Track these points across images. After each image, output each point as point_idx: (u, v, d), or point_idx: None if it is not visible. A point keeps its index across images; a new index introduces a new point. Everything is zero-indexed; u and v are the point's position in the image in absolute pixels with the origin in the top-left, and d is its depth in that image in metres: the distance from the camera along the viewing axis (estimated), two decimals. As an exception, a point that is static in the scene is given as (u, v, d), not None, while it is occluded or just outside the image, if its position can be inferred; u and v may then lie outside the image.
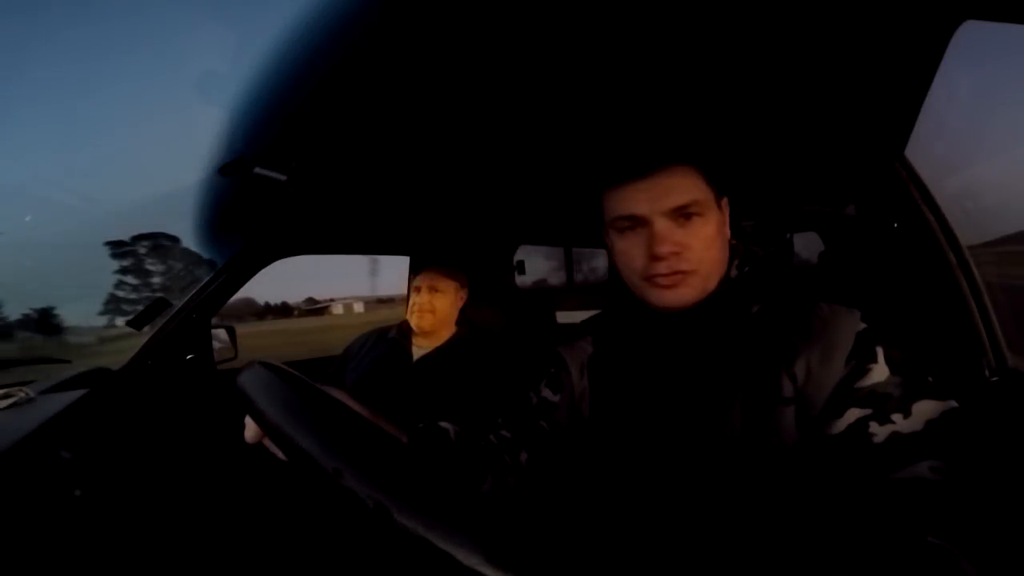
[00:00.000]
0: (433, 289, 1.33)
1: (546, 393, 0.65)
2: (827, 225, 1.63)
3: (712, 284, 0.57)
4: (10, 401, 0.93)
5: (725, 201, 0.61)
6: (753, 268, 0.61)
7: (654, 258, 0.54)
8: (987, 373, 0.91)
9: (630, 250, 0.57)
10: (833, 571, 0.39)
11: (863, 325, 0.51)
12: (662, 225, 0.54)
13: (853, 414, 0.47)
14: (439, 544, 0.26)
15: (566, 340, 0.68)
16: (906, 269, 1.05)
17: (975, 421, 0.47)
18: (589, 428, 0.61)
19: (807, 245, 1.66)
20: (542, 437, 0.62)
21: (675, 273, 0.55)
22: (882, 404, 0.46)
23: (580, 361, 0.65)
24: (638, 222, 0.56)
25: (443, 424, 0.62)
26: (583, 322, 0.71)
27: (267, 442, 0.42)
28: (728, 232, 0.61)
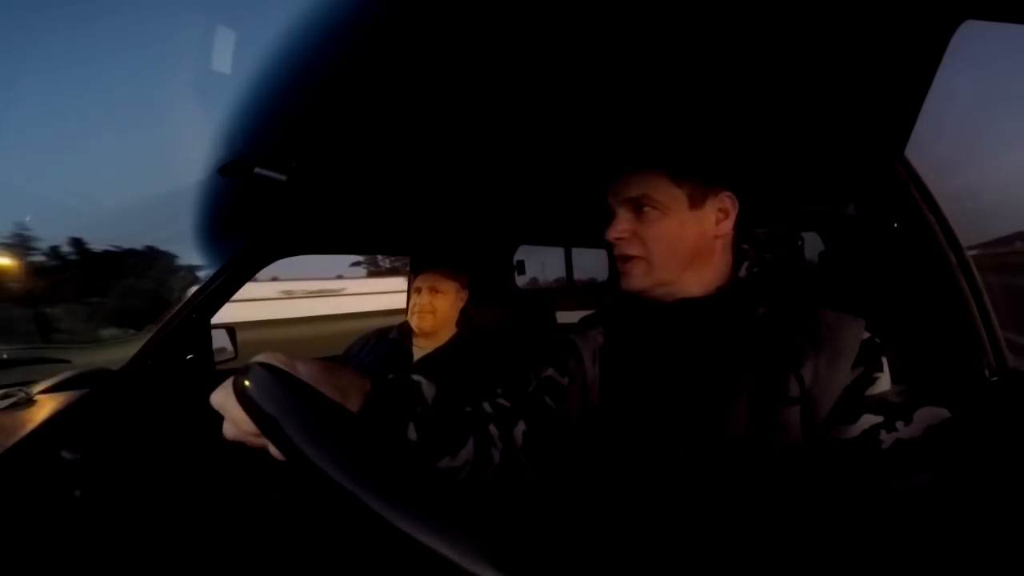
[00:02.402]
0: (434, 290, 1.33)
1: (551, 372, 0.65)
2: (827, 225, 1.63)
3: (665, 276, 0.60)
4: (10, 401, 0.93)
5: (722, 197, 0.60)
6: (761, 270, 0.62)
7: (610, 241, 0.62)
8: (987, 373, 0.91)
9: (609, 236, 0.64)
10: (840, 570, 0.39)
11: (867, 334, 0.53)
12: (620, 213, 0.61)
13: (867, 420, 0.49)
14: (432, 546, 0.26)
15: (579, 328, 0.69)
16: (906, 269, 1.05)
17: (971, 423, 0.48)
18: (596, 416, 0.62)
19: (807, 245, 1.66)
20: (545, 413, 0.62)
21: (625, 257, 0.61)
22: (890, 411, 0.49)
23: (592, 349, 0.65)
24: (610, 211, 0.63)
25: (416, 377, 0.56)
26: (594, 312, 0.73)
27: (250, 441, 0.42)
28: (723, 231, 0.61)
